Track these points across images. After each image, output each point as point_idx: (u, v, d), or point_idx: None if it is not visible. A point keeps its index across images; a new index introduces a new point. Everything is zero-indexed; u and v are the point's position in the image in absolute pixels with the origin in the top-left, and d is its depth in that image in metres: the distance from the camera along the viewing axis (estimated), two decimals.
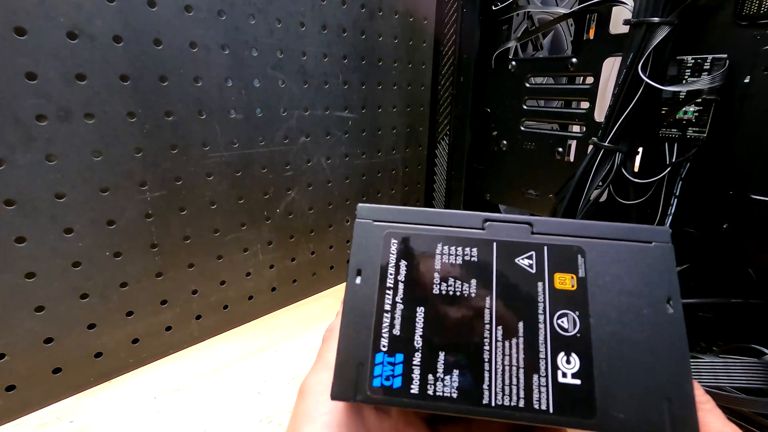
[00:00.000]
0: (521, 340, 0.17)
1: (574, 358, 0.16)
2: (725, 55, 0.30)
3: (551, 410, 0.16)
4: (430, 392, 0.16)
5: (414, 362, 0.17)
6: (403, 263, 0.18)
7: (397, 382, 0.16)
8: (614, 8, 0.37)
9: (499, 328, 0.17)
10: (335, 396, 0.16)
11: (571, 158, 0.43)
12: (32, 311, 0.35)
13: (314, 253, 0.54)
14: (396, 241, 0.18)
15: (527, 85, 0.45)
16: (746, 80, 0.30)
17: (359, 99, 0.52)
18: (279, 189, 0.48)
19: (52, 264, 0.35)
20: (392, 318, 0.17)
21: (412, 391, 0.16)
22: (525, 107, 0.46)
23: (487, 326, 0.17)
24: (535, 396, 0.16)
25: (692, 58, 0.32)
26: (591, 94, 0.40)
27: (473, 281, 0.18)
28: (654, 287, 0.17)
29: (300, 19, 0.44)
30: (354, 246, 0.18)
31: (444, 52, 0.50)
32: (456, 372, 0.16)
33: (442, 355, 0.17)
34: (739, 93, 0.31)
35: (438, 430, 0.23)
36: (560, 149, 0.44)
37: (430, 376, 0.16)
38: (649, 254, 0.18)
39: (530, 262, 0.18)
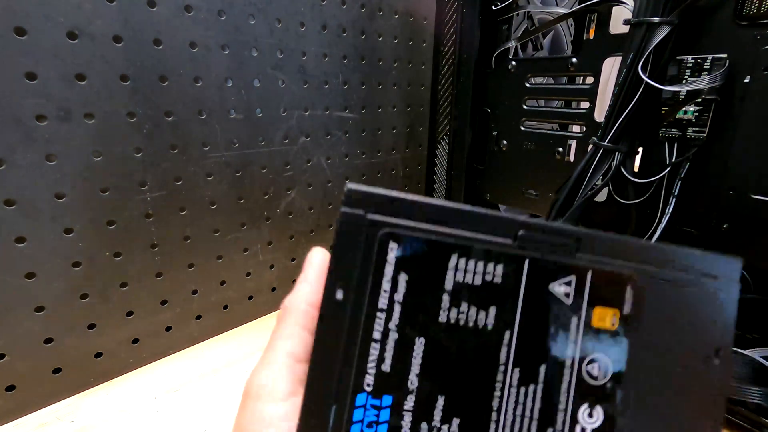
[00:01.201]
0: (540, 387, 0.14)
1: (598, 412, 0.14)
2: (725, 55, 0.30)
3: None
4: None
5: (405, 407, 0.13)
6: (402, 277, 0.14)
7: (382, 431, 0.13)
8: (614, 8, 0.37)
9: (516, 371, 0.14)
10: None
11: (571, 158, 0.43)
12: (32, 311, 0.35)
13: None
14: (396, 246, 0.14)
15: (527, 85, 0.45)
16: (746, 80, 0.30)
17: (359, 99, 0.52)
18: (279, 189, 0.48)
19: (52, 264, 0.35)
20: (382, 350, 0.14)
21: None
22: (525, 107, 0.46)
23: (502, 368, 0.14)
24: None
25: (692, 58, 0.32)
26: (591, 94, 0.40)
27: (492, 309, 0.14)
28: (707, 334, 0.14)
29: (300, 19, 0.44)
30: (337, 246, 0.14)
31: (444, 52, 0.50)
32: (456, 421, 0.13)
33: (441, 400, 0.14)
34: (739, 93, 0.31)
35: None
36: (560, 149, 0.44)
37: (424, 425, 0.13)
38: (711, 294, 0.14)
39: (568, 290, 0.14)
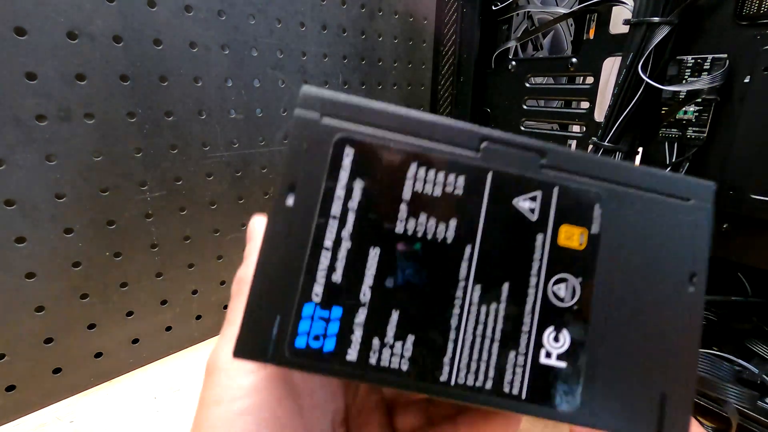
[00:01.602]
0: (502, 306, 0.13)
1: (565, 336, 0.13)
2: (725, 55, 0.30)
3: (524, 396, 0.13)
4: (373, 361, 0.13)
5: (356, 320, 0.13)
6: (357, 184, 0.13)
7: (330, 344, 0.12)
8: (614, 8, 0.37)
9: (477, 287, 0.13)
10: (238, 353, 0.12)
11: None
12: (32, 311, 0.35)
13: None
14: (352, 151, 0.13)
15: (527, 85, 0.45)
16: (746, 80, 0.30)
17: None
18: None
19: (52, 264, 0.35)
20: (333, 258, 0.13)
21: (348, 357, 0.12)
22: (525, 107, 0.46)
23: (462, 284, 0.13)
24: (508, 378, 0.13)
25: (692, 58, 0.32)
26: (591, 94, 0.40)
27: (452, 222, 0.13)
28: (680, 258, 0.13)
29: (300, 19, 0.44)
30: (288, 149, 0.13)
31: (444, 52, 0.50)
32: (411, 338, 0.13)
33: (395, 315, 0.13)
34: (739, 93, 0.31)
35: (396, 414, 0.20)
36: None
37: (376, 341, 0.13)
38: (683, 213, 0.14)
39: (532, 205, 0.13)
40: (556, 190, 0.13)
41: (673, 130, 0.34)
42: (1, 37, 0.30)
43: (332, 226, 0.13)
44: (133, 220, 0.38)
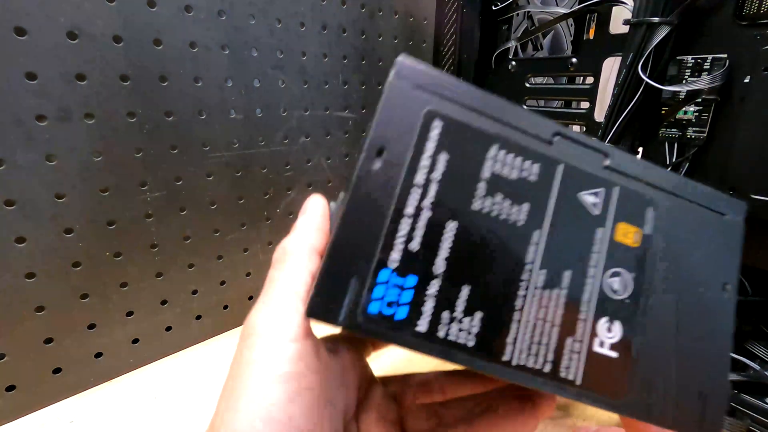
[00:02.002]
0: (564, 293, 0.14)
1: (617, 327, 0.14)
2: (725, 55, 0.30)
3: (578, 381, 0.13)
4: (441, 334, 0.13)
5: (429, 291, 0.13)
6: (442, 157, 0.13)
7: (402, 313, 0.12)
8: (614, 8, 0.37)
9: (542, 272, 0.13)
10: (312, 312, 0.12)
11: None
12: (32, 311, 0.35)
13: None
14: (440, 125, 0.13)
15: (527, 85, 0.45)
16: (746, 80, 0.30)
17: (359, 99, 0.52)
18: (279, 189, 0.48)
19: (52, 264, 0.35)
20: (413, 227, 0.13)
21: (418, 328, 0.13)
22: (525, 107, 0.46)
23: (528, 266, 0.13)
24: (564, 362, 0.13)
25: (692, 58, 0.32)
26: (591, 94, 0.40)
27: (525, 206, 0.14)
28: (717, 266, 0.15)
29: (300, 19, 0.44)
30: (380, 112, 0.13)
31: (444, 52, 0.50)
32: (479, 315, 0.13)
33: (466, 290, 0.13)
34: (739, 93, 0.31)
35: (406, 416, 0.20)
36: None
37: (446, 314, 0.13)
38: (720, 227, 0.15)
39: (596, 200, 0.14)
40: (616, 190, 0.14)
41: (673, 130, 0.34)
42: (1, 37, 0.30)
43: (415, 194, 0.13)
44: (133, 220, 0.38)
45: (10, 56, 0.30)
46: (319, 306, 0.12)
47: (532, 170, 0.14)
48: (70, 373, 0.38)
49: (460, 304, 0.13)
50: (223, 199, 0.44)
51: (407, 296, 0.13)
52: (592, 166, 0.14)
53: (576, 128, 0.44)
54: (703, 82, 0.31)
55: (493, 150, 0.14)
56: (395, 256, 0.13)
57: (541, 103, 0.52)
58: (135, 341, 0.42)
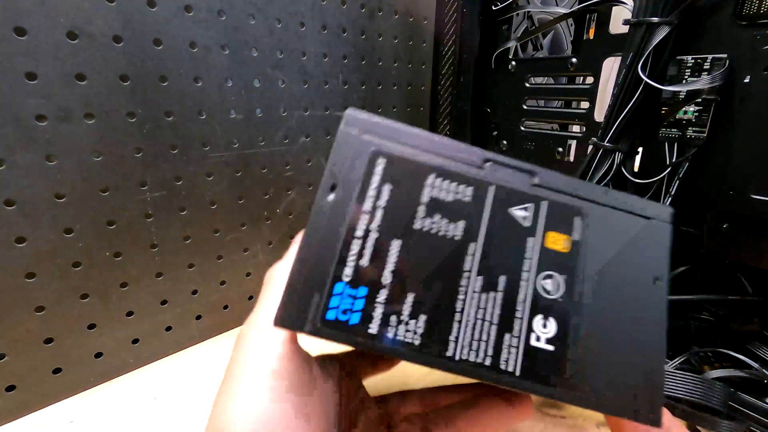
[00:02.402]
0: (500, 295, 0.15)
1: (551, 323, 0.16)
2: (725, 55, 0.30)
3: (517, 373, 0.15)
4: (390, 335, 0.15)
5: (378, 299, 0.15)
6: (386, 187, 0.15)
7: (355, 318, 0.15)
8: (614, 8, 0.37)
9: (479, 278, 0.15)
10: (279, 322, 0.14)
11: (571, 158, 0.43)
12: (32, 311, 0.35)
13: None
14: (383, 161, 0.16)
15: (527, 85, 0.45)
16: (746, 80, 0.30)
17: (359, 99, 0.52)
18: (279, 189, 0.48)
19: (52, 264, 0.35)
20: (362, 246, 0.15)
21: (369, 330, 0.15)
22: (525, 107, 0.46)
23: (466, 274, 0.15)
24: (504, 356, 0.15)
25: (692, 58, 0.32)
26: (591, 94, 0.40)
27: (460, 223, 0.16)
28: (645, 264, 0.16)
29: (300, 19, 0.44)
30: (333, 156, 0.16)
31: (444, 52, 0.50)
32: (423, 317, 0.15)
33: (410, 297, 0.15)
34: (739, 93, 0.31)
35: (391, 412, 0.22)
36: (560, 149, 0.44)
37: (393, 318, 0.15)
38: (647, 230, 0.17)
39: (525, 214, 0.16)
40: (544, 204, 0.16)
41: (673, 130, 0.34)
42: (1, 37, 0.30)
43: (363, 219, 0.15)
44: (133, 220, 0.38)
45: (10, 56, 0.30)
46: (285, 316, 0.14)
47: (466, 192, 0.16)
48: (70, 373, 0.38)
49: (406, 309, 0.15)
50: (223, 199, 0.44)
51: (359, 304, 0.15)
52: (521, 185, 0.16)
53: (576, 128, 0.44)
54: (703, 82, 0.31)
55: (430, 178, 0.16)
56: (348, 271, 0.15)
57: (541, 103, 0.52)
58: (135, 341, 0.42)
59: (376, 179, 0.16)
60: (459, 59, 0.49)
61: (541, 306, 0.16)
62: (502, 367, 0.15)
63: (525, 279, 0.16)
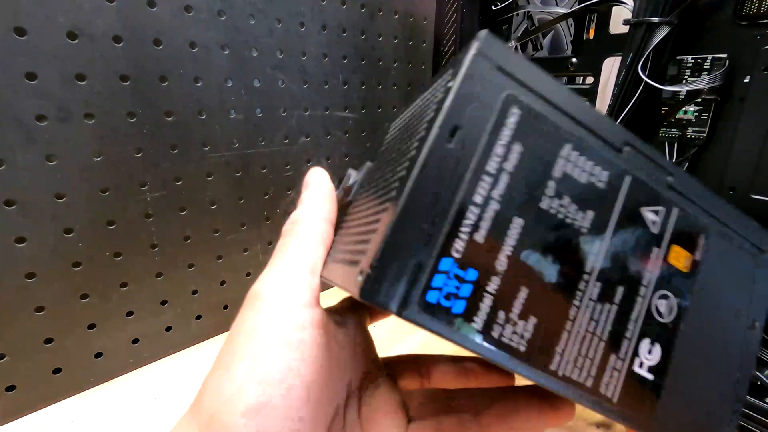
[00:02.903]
0: (614, 308, 0.13)
1: (656, 350, 0.14)
2: (725, 55, 0.30)
3: (615, 400, 0.13)
4: (495, 334, 0.12)
5: (489, 288, 0.12)
6: (516, 147, 0.12)
7: (459, 307, 0.12)
8: (614, 8, 0.37)
9: (597, 284, 0.13)
10: (365, 293, 0.11)
11: None
12: (32, 311, 0.35)
13: None
14: (518, 113, 0.12)
15: None
16: (746, 80, 0.30)
17: (359, 99, 0.52)
18: (279, 189, 0.48)
19: (52, 264, 0.35)
20: (480, 217, 0.12)
21: (473, 324, 0.12)
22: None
23: (586, 277, 0.13)
24: (605, 379, 0.13)
25: (692, 58, 0.32)
26: (591, 94, 0.40)
27: (590, 213, 0.13)
28: (750, 301, 0.15)
29: (300, 19, 0.44)
30: (458, 87, 0.12)
31: (444, 52, 0.50)
32: (533, 320, 0.12)
33: (524, 292, 0.12)
34: (739, 93, 0.31)
35: (407, 388, 0.19)
36: None
37: (501, 314, 0.12)
38: (759, 263, 0.15)
39: (656, 219, 0.14)
40: (676, 211, 0.14)
41: (673, 130, 0.34)
42: (1, 37, 0.30)
43: (485, 182, 0.12)
44: (133, 220, 0.38)
45: (10, 56, 0.30)
46: (374, 287, 0.11)
47: (601, 176, 0.13)
48: (70, 373, 0.38)
49: (517, 306, 0.12)
50: (223, 199, 0.44)
51: (466, 290, 0.12)
52: (656, 183, 0.14)
53: None
54: (703, 82, 0.31)
55: (566, 149, 0.13)
56: (459, 245, 0.12)
57: None
58: (135, 341, 0.42)
59: (506, 134, 0.12)
60: None
61: (651, 328, 0.14)
62: (602, 391, 0.13)
63: (642, 294, 0.14)
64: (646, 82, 0.32)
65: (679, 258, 0.14)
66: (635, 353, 0.14)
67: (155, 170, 0.38)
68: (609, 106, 0.35)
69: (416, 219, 0.11)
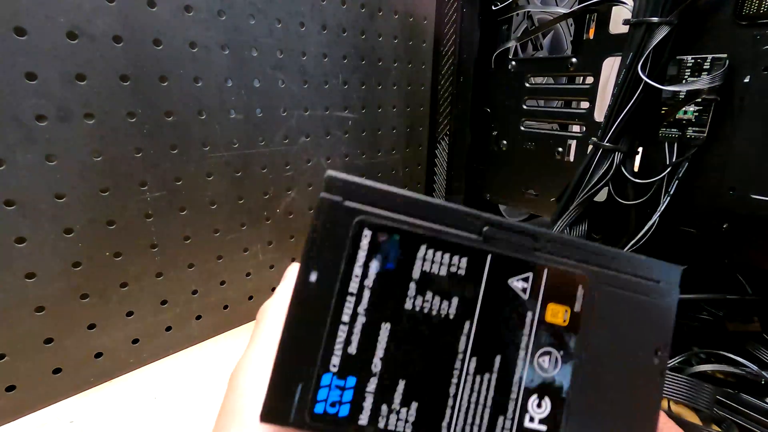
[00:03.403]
0: (494, 376, 0.15)
1: (546, 402, 0.15)
2: (725, 55, 0.31)
3: None
4: (381, 425, 0.14)
5: (368, 389, 0.14)
6: (374, 264, 0.14)
7: (344, 410, 0.14)
8: (614, 8, 0.37)
9: (473, 359, 0.14)
10: (265, 417, 0.14)
11: (571, 158, 0.43)
12: (32, 311, 0.35)
13: None
14: (369, 234, 0.14)
15: (527, 85, 0.45)
16: (746, 80, 0.30)
17: (359, 99, 0.52)
18: (279, 189, 0.48)
19: (52, 264, 0.35)
20: (349, 333, 0.14)
21: (360, 422, 0.14)
22: (525, 107, 0.46)
23: (461, 356, 0.14)
24: None
25: (692, 58, 0.32)
26: (591, 94, 0.40)
27: (454, 300, 0.14)
28: (648, 333, 0.15)
29: (300, 19, 0.44)
30: (313, 231, 0.14)
31: (444, 52, 0.50)
32: (415, 405, 0.14)
33: (402, 384, 0.14)
34: (739, 93, 0.31)
35: None
36: (560, 149, 0.44)
37: (384, 407, 0.14)
38: (654, 293, 0.15)
39: (525, 285, 0.15)
40: (545, 272, 0.15)
41: (673, 130, 0.34)
42: (1, 37, 0.30)
43: (350, 302, 0.14)
44: (133, 220, 0.38)
45: (10, 56, 0.30)
46: (271, 411, 0.14)
47: (461, 264, 0.14)
48: (70, 373, 0.38)
49: (397, 397, 0.14)
50: (223, 199, 0.44)
51: (348, 395, 0.14)
52: (522, 251, 0.15)
53: (576, 128, 0.44)
54: (703, 82, 0.31)
55: (422, 250, 0.14)
56: (335, 360, 0.14)
57: (541, 103, 0.52)
58: (135, 341, 0.42)
59: (362, 255, 0.14)
60: (459, 59, 0.49)
61: (536, 384, 0.15)
62: None
63: (521, 357, 0.15)
64: (646, 82, 0.32)
65: (557, 314, 0.15)
66: (524, 410, 0.15)
67: (155, 170, 0.38)
68: (609, 106, 0.35)
69: (295, 349, 0.14)
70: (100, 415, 0.37)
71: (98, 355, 0.39)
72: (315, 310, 0.14)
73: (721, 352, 0.35)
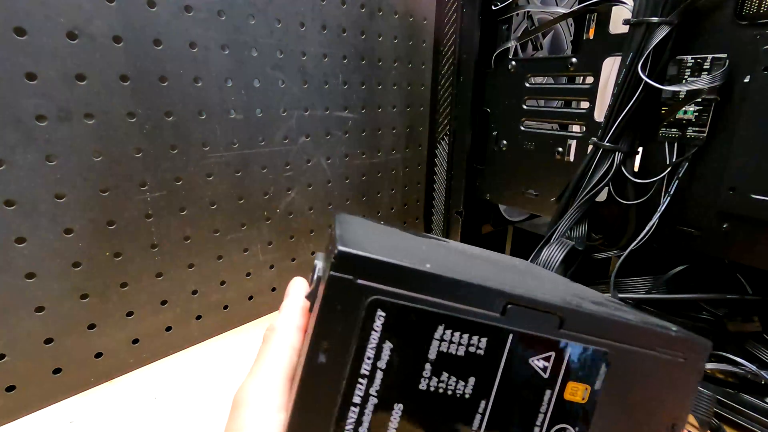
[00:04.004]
0: None
1: None
2: (725, 55, 0.30)
3: None
4: None
5: None
6: (387, 346, 0.13)
7: None
8: (614, 8, 0.37)
9: None
10: None
11: (571, 158, 0.43)
12: (32, 311, 0.35)
13: (314, 253, 0.54)
14: (383, 314, 0.13)
15: (527, 85, 0.45)
16: (746, 80, 0.30)
17: (359, 99, 0.52)
18: (279, 189, 0.48)
19: (52, 264, 0.35)
20: (360, 415, 0.13)
21: None
22: (525, 107, 0.46)
23: None
24: None
25: (692, 58, 0.32)
26: (591, 94, 0.40)
27: (471, 380, 0.14)
28: (667, 409, 0.15)
29: (300, 19, 0.44)
30: (322, 309, 0.13)
31: (444, 52, 0.50)
32: None
33: None
34: (739, 93, 0.31)
35: None
36: (560, 149, 0.44)
37: None
38: (677, 370, 0.15)
39: (546, 365, 0.14)
40: (568, 351, 0.14)
41: (673, 129, 0.34)
42: (1, 37, 0.30)
43: (361, 384, 0.13)
44: (133, 220, 0.38)
45: (10, 56, 0.30)
46: None
47: (480, 344, 0.14)
48: (70, 373, 0.38)
49: None
50: (223, 199, 0.44)
51: None
52: (544, 329, 0.14)
53: (576, 128, 0.44)
54: (703, 82, 0.31)
55: (439, 330, 0.13)
56: None
57: (541, 103, 0.52)
58: (135, 341, 0.42)
59: (375, 336, 0.13)
60: (459, 59, 0.49)
61: None
62: None
63: None
64: (646, 81, 0.32)
65: (576, 392, 0.14)
66: None
67: (155, 170, 0.38)
68: (609, 105, 0.35)
69: (305, 430, 0.13)
70: (100, 415, 0.37)
71: (98, 355, 0.39)
72: (324, 391, 0.13)
73: (721, 352, 0.35)
